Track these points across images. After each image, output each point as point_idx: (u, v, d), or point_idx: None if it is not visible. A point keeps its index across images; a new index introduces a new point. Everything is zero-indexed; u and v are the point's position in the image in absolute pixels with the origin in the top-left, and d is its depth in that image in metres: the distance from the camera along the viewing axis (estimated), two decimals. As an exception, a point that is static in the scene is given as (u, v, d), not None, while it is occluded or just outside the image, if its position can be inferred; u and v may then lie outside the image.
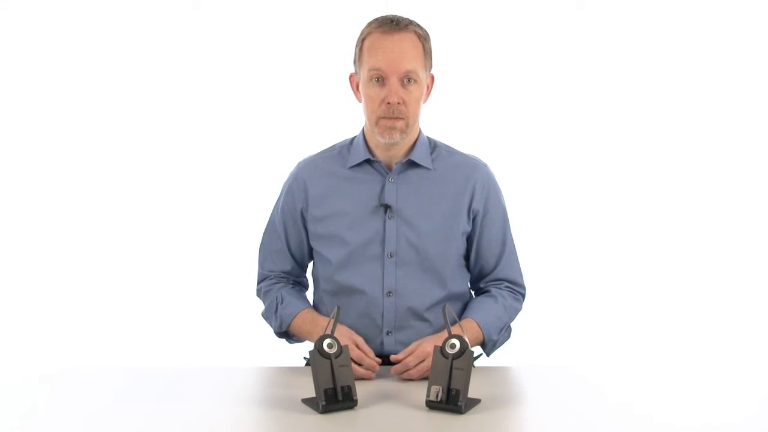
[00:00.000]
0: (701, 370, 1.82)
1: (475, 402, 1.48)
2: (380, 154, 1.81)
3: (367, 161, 1.81)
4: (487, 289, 1.89)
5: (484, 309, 1.82)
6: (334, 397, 1.44)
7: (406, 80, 1.70)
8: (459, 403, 1.43)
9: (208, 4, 3.38)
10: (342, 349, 1.47)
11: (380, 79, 1.71)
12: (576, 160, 3.42)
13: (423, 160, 1.81)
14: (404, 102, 1.71)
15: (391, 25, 1.72)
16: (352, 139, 1.87)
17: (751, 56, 3.36)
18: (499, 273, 1.88)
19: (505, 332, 1.85)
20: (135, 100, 3.39)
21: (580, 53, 3.39)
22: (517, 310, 1.89)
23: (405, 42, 1.71)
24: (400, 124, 1.72)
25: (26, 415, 1.49)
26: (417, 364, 1.66)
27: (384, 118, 1.72)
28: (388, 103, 1.70)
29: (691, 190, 3.41)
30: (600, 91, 3.41)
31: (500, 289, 1.87)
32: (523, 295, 1.91)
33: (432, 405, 1.45)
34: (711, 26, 3.35)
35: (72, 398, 1.59)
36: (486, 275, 1.89)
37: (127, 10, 3.35)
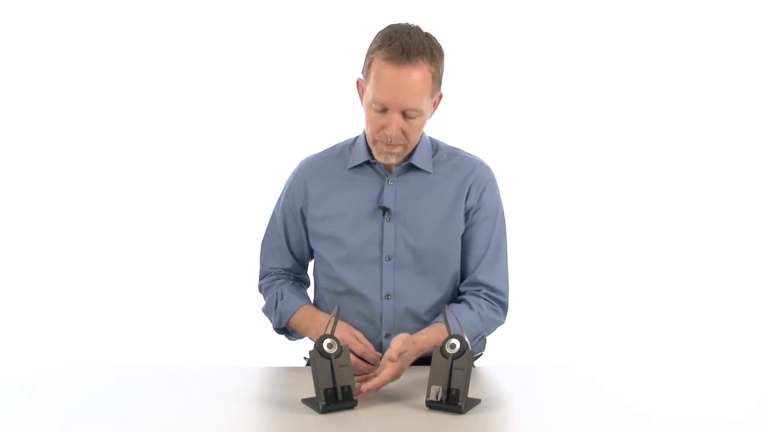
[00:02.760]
0: (701, 370, 1.81)
1: (475, 402, 1.48)
2: (381, 157, 1.80)
3: (368, 162, 1.81)
4: (464, 298, 1.79)
5: (458, 314, 1.70)
6: (334, 397, 1.44)
7: (408, 112, 1.66)
8: (459, 403, 1.42)
9: (210, 5, 3.38)
10: (342, 349, 1.47)
11: (382, 109, 1.66)
12: (578, 161, 3.43)
13: (424, 164, 1.80)
14: (404, 132, 1.68)
15: (401, 57, 1.61)
16: (355, 140, 1.86)
17: (752, 56, 3.36)
18: (478, 275, 1.78)
19: (479, 342, 1.81)
20: (137, 101, 3.40)
21: (582, 54, 3.40)
22: (496, 323, 1.81)
23: (413, 77, 1.62)
24: (397, 150, 1.71)
25: (25, 415, 1.49)
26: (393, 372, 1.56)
27: (381, 143, 1.70)
28: (387, 134, 1.67)
29: (691, 191, 3.41)
30: (601, 93, 3.41)
31: (478, 297, 1.78)
32: (504, 306, 1.81)
33: (432, 405, 1.45)
34: (713, 27, 3.35)
35: (70, 398, 1.58)
36: (465, 276, 1.81)
37: (130, 11, 3.35)
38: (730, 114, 3.40)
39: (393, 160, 1.73)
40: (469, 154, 1.87)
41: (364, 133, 1.83)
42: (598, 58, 3.40)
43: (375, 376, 1.55)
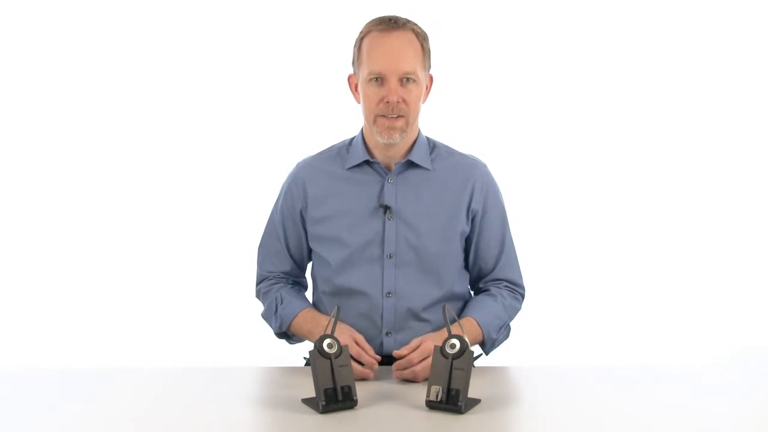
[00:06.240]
0: (700, 371, 1.82)
1: (475, 402, 1.48)
2: (379, 155, 1.80)
3: (366, 162, 1.81)
4: (485, 288, 1.89)
5: (484, 307, 1.82)
6: (334, 397, 1.44)
7: (405, 80, 1.70)
8: (459, 403, 1.43)
9: (210, 5, 3.39)
10: (342, 349, 1.47)
11: (379, 80, 1.70)
12: (576, 160, 3.43)
13: (422, 161, 1.81)
14: (404, 100, 1.70)
15: (389, 23, 1.72)
16: (351, 140, 1.87)
17: (752, 56, 3.37)
18: (498, 273, 1.88)
19: (504, 331, 1.84)
20: (136, 101, 3.40)
21: (582, 54, 3.40)
22: (517, 310, 1.89)
23: (403, 41, 1.70)
24: (399, 123, 1.72)
25: (24, 415, 1.49)
26: (421, 360, 1.63)
27: (383, 116, 1.71)
28: (388, 102, 1.70)
29: (689, 191, 3.42)
30: (599, 92, 3.42)
31: (499, 288, 1.87)
32: (523, 295, 1.91)
33: (432, 405, 1.45)
34: (713, 27, 3.36)
35: (70, 398, 1.58)
36: (485, 275, 1.89)
37: (130, 11, 3.36)
38: (729, 113, 3.41)
39: (396, 138, 1.73)
40: (466, 153, 1.88)
41: (362, 133, 1.84)
42: (597, 58, 3.40)
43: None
